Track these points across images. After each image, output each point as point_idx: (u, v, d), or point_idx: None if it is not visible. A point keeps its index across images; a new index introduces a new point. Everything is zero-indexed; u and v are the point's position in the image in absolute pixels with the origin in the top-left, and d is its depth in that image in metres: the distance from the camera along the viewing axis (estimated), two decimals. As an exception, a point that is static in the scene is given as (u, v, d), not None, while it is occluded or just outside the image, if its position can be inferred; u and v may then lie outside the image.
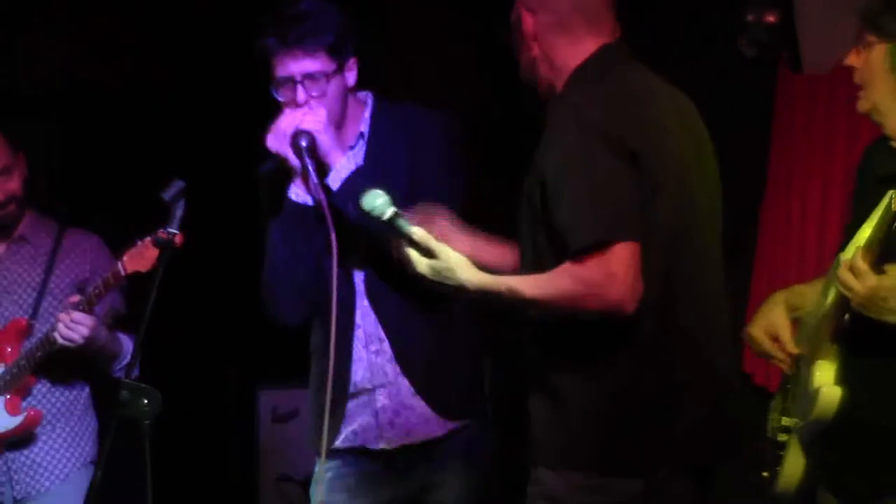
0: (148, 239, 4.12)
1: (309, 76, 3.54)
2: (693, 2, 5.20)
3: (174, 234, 3.71)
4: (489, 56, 3.41)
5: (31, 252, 4.50)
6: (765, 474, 3.39)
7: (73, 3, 5.83)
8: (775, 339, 3.38)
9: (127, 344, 4.45)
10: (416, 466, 3.64)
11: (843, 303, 3.13)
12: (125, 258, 4.15)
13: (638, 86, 3.12)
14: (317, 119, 3.52)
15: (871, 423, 3.19)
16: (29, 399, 4.42)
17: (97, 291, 4.23)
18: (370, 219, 3.11)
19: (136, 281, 4.12)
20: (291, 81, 3.56)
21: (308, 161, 3.49)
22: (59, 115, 6.10)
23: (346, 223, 3.43)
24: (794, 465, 3.29)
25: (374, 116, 3.68)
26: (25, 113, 5.61)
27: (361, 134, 3.67)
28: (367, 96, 3.71)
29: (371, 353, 3.63)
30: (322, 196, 3.43)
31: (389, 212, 3.09)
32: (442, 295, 3.08)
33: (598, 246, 2.89)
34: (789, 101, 5.24)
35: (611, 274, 2.89)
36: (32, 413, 4.39)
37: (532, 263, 3.07)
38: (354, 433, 3.64)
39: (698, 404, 3.06)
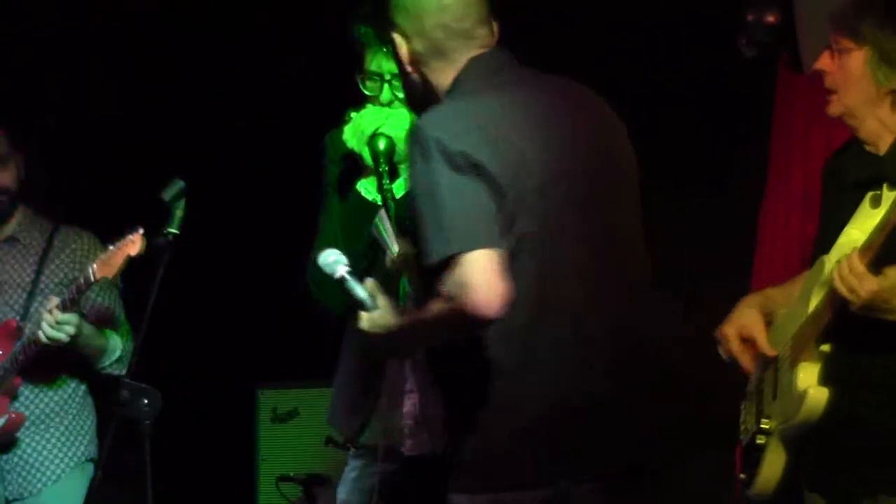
0: (118, 244, 4.14)
1: (398, 76, 3.47)
2: (693, 2, 5.19)
3: (173, 235, 3.72)
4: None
5: (23, 252, 4.50)
6: (741, 476, 3.39)
7: (72, 3, 5.83)
8: (747, 340, 3.39)
9: (113, 339, 4.43)
10: (436, 480, 3.62)
11: (833, 305, 3.14)
12: (95, 264, 4.17)
13: (496, 97, 3.05)
14: (400, 125, 3.50)
15: (865, 421, 3.20)
16: (21, 399, 4.42)
17: (71, 297, 4.24)
18: (324, 276, 3.15)
19: (135, 281, 4.13)
20: (379, 78, 3.53)
21: (382, 165, 3.48)
22: (59, 115, 6.10)
23: (403, 229, 3.40)
24: (773, 467, 3.31)
25: None
26: (25, 113, 5.61)
27: None
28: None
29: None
30: (390, 203, 3.44)
31: (340, 271, 3.11)
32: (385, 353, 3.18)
33: (448, 262, 2.88)
34: (789, 101, 5.23)
35: (461, 285, 2.86)
36: (14, 416, 4.38)
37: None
38: (384, 432, 3.63)
39: (604, 409, 3.00)
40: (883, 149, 3.30)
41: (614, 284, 3.06)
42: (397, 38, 3.10)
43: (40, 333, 4.24)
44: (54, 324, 4.22)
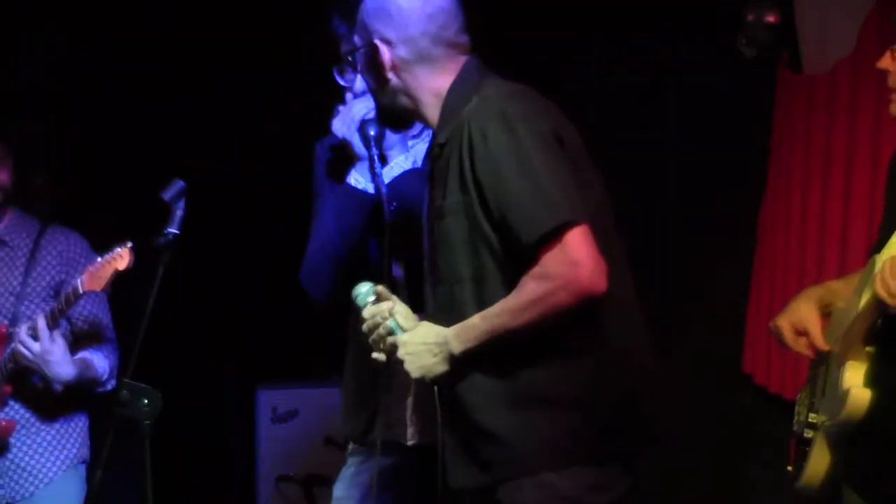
0: (106, 257, 4.15)
1: None
2: (693, 2, 5.20)
3: (174, 234, 3.72)
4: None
5: (10, 255, 4.47)
6: (789, 469, 3.38)
7: (72, 3, 5.83)
8: (802, 333, 3.37)
9: (102, 365, 4.42)
10: (433, 475, 3.62)
11: (877, 306, 3.11)
12: (84, 276, 4.17)
13: (521, 87, 3.15)
14: None
15: None
16: (10, 402, 4.40)
17: (60, 308, 4.24)
18: (356, 306, 3.26)
19: (135, 281, 4.12)
20: (354, 67, 3.54)
21: (374, 151, 3.50)
22: (59, 114, 6.10)
23: (393, 218, 3.45)
24: (819, 462, 3.28)
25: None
26: (24, 111, 5.61)
27: None
28: None
29: None
30: (383, 187, 3.46)
31: (370, 300, 3.22)
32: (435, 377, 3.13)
33: (550, 237, 2.91)
34: (789, 101, 5.23)
35: (573, 261, 2.90)
36: (5, 423, 4.37)
37: (473, 292, 3.07)
38: (388, 426, 3.64)
39: (652, 383, 3.12)
40: None
41: (629, 273, 3.15)
42: (378, 43, 3.15)
43: (17, 346, 4.26)
44: (22, 338, 4.23)
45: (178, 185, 3.77)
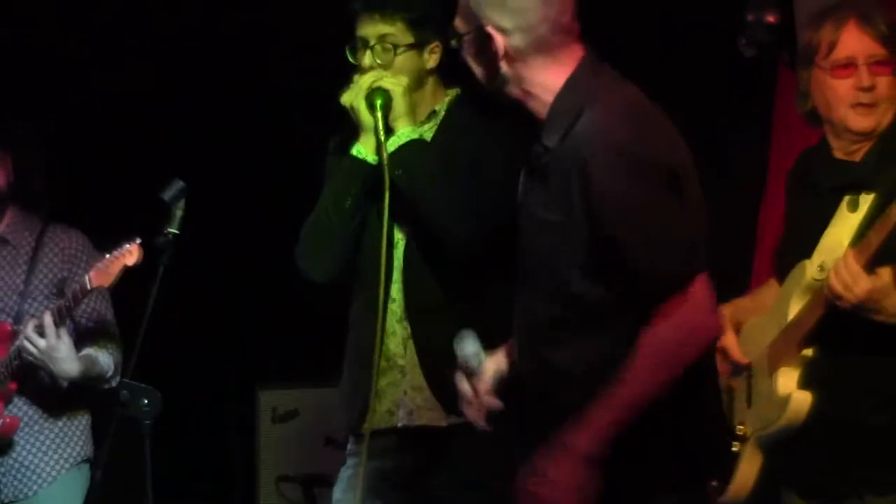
0: (114, 253, 4.14)
1: (381, 41, 3.58)
2: (693, 1, 5.20)
3: (173, 234, 3.72)
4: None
5: (13, 253, 4.47)
6: (713, 483, 3.39)
7: (73, 3, 5.84)
8: (719, 351, 3.41)
9: (106, 362, 4.42)
10: (425, 471, 3.62)
11: (821, 307, 3.18)
12: (92, 273, 4.17)
13: (638, 97, 2.97)
14: (398, 82, 3.57)
15: (852, 422, 3.23)
16: (14, 400, 4.40)
17: (67, 304, 4.24)
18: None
19: (135, 281, 4.13)
20: (365, 44, 3.60)
21: (379, 119, 3.53)
22: (59, 115, 6.11)
23: (394, 192, 3.48)
24: (747, 473, 3.35)
25: (453, 105, 3.71)
26: (24, 112, 5.61)
27: (434, 112, 3.70)
28: (455, 91, 3.73)
29: (403, 329, 3.64)
30: (385, 152, 3.50)
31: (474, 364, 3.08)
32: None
33: (678, 286, 2.78)
34: (789, 100, 5.23)
35: (700, 307, 2.79)
36: (9, 420, 4.37)
37: (553, 319, 2.90)
38: (390, 412, 3.64)
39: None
40: (859, 156, 3.33)
41: None
42: (492, 32, 2.92)
43: (20, 345, 4.26)
44: (28, 335, 4.23)
45: (178, 185, 3.78)
